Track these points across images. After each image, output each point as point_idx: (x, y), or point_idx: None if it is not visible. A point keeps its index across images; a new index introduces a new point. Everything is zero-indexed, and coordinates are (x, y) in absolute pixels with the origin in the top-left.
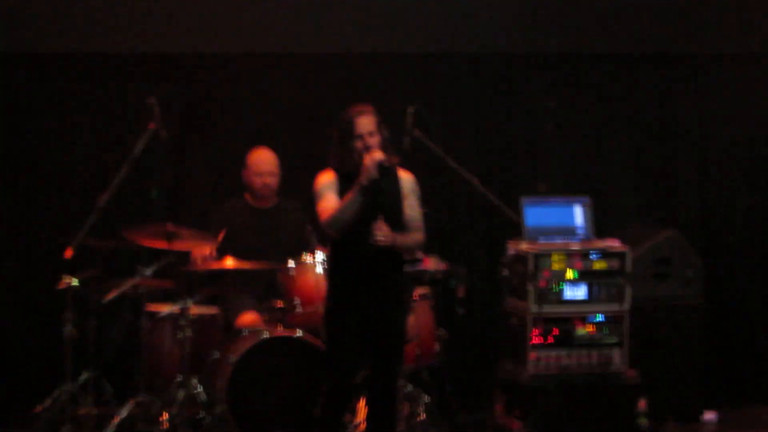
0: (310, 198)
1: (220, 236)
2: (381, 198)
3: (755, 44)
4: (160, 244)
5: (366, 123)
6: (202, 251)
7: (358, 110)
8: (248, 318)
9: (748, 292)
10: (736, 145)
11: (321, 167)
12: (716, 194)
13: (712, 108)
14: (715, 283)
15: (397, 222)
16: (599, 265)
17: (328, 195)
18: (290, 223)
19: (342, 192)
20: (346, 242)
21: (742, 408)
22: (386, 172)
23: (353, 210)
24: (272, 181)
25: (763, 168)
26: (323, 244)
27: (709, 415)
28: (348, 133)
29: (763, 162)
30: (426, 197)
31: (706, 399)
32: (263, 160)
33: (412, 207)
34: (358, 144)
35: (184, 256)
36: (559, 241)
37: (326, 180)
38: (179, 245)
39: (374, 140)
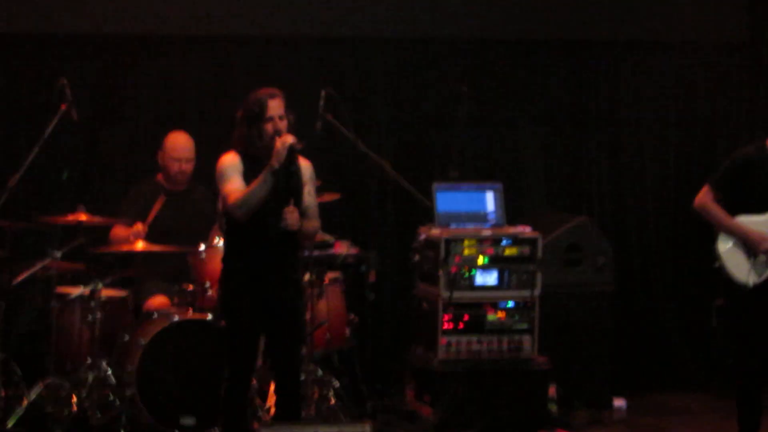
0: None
1: (151, 216)
2: (292, 182)
3: (665, 32)
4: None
5: (276, 106)
6: (136, 228)
7: (268, 93)
8: (157, 301)
9: (658, 280)
10: (648, 133)
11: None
12: (627, 182)
13: (624, 95)
14: (626, 270)
15: (298, 207)
16: (510, 251)
17: (234, 177)
18: (202, 206)
19: (247, 174)
20: (248, 225)
21: (651, 395)
22: (295, 157)
23: (263, 193)
24: (188, 167)
25: (674, 156)
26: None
27: (619, 402)
28: (258, 115)
29: (674, 150)
30: (337, 182)
31: (616, 386)
32: (181, 146)
33: (310, 194)
34: (269, 127)
35: (95, 238)
36: (470, 227)
37: (231, 162)
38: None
39: (284, 124)
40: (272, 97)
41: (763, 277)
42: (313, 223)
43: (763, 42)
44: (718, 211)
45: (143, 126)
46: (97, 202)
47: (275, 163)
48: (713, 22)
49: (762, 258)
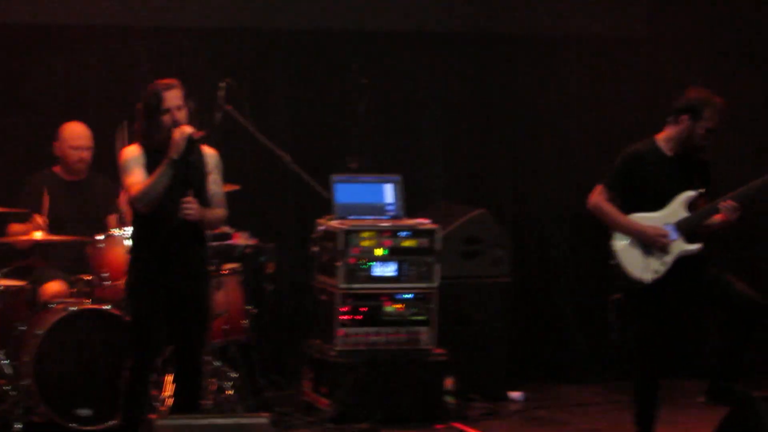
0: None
1: (45, 206)
2: (190, 172)
3: (566, 26)
4: None
5: (173, 97)
6: (36, 221)
7: (165, 84)
8: (55, 291)
9: (555, 273)
10: (548, 126)
11: (131, 141)
12: (527, 175)
13: (524, 88)
14: (524, 262)
15: (202, 197)
16: (409, 243)
17: (136, 169)
18: (101, 196)
19: (149, 166)
20: (152, 216)
21: (547, 387)
22: (195, 147)
23: (163, 184)
24: (88, 155)
25: (574, 149)
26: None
27: (515, 395)
28: (155, 107)
29: (574, 144)
30: (237, 173)
31: (513, 378)
32: (79, 134)
33: (216, 183)
34: (166, 118)
35: None
36: (369, 219)
37: (132, 154)
38: None
39: (182, 114)
40: (168, 88)
41: (661, 273)
42: (218, 212)
43: (661, 36)
44: (611, 211)
45: (43, 115)
46: None
47: (174, 155)
48: (613, 16)
49: (658, 253)
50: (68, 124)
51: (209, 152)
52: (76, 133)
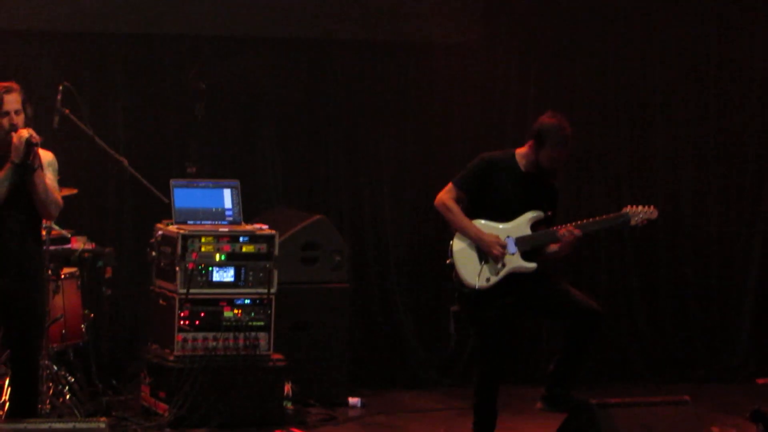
0: None
1: None
2: (29, 176)
3: (403, 33)
4: None
5: (13, 100)
6: None
7: (5, 87)
8: None
9: (394, 278)
10: (385, 133)
11: None
12: (365, 181)
13: (362, 94)
14: (362, 268)
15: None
16: (247, 248)
17: None
18: None
19: None
20: None
21: (386, 393)
22: (33, 150)
23: (6, 188)
24: None
25: (411, 156)
26: None
27: (354, 401)
28: None
29: (411, 150)
30: (75, 177)
31: (351, 384)
32: None
33: (50, 179)
34: (4, 122)
35: None
36: (207, 224)
37: None
38: None
39: (20, 118)
40: (8, 91)
41: (491, 283)
42: (56, 186)
43: (497, 44)
44: (455, 210)
45: None
46: None
47: (15, 159)
48: (450, 23)
49: (492, 263)
50: None
51: (44, 154)
52: None
